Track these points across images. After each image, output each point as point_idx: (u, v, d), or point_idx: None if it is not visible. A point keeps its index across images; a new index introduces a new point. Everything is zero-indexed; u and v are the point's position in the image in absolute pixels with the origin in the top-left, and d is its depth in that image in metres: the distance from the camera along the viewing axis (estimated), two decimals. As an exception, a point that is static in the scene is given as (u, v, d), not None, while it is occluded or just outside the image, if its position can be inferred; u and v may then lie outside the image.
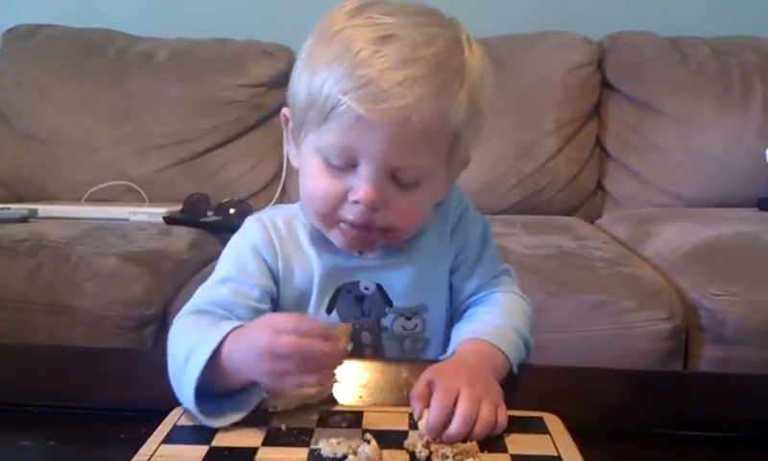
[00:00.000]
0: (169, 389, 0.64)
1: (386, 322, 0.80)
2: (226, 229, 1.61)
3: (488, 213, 1.79)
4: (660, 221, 1.75)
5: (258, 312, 0.73)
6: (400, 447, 0.58)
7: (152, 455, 0.56)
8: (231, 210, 1.73)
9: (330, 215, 0.72)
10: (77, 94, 2.08)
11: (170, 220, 1.75)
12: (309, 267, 0.79)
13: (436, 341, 0.83)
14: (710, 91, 2.03)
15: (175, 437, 0.59)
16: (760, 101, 2.00)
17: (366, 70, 0.65)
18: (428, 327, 0.82)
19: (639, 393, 0.75)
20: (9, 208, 1.78)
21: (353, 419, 0.62)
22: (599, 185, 2.12)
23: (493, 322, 0.76)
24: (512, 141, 2.02)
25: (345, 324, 0.72)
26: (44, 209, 1.81)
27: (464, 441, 0.58)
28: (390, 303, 0.80)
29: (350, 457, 0.55)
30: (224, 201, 1.80)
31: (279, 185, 2.07)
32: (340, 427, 0.61)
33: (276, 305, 0.79)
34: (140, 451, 0.56)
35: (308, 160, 0.73)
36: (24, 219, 1.73)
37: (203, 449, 0.57)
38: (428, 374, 0.64)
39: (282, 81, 1.98)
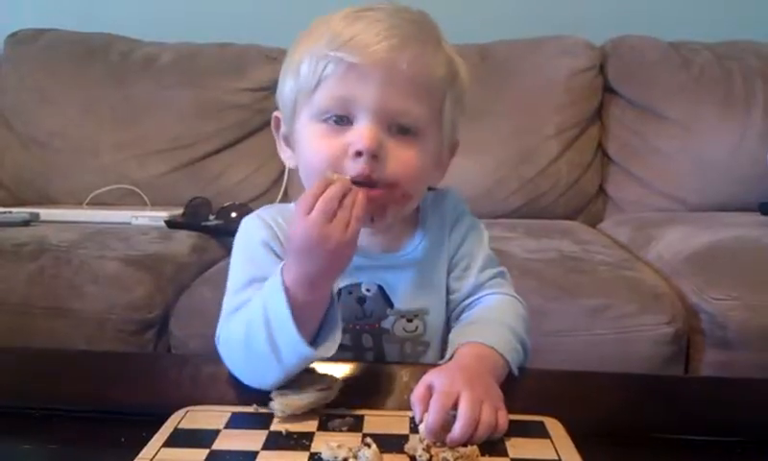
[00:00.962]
0: (169, 392, 0.64)
1: (387, 324, 0.81)
2: (227, 232, 1.61)
3: (489, 217, 1.81)
4: (661, 225, 1.75)
5: None
6: (401, 450, 0.58)
7: (152, 459, 0.56)
8: (233, 214, 1.73)
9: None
10: (79, 98, 2.09)
11: (172, 224, 1.75)
12: None
13: (435, 344, 0.83)
14: (712, 96, 2.03)
15: (175, 440, 0.59)
16: (762, 106, 2.00)
17: (348, 31, 0.71)
18: (428, 330, 0.82)
19: (640, 397, 0.75)
20: (11, 212, 1.78)
21: (354, 423, 0.62)
22: (601, 189, 2.12)
23: (491, 325, 0.77)
24: (513, 145, 2.02)
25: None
26: (46, 213, 1.81)
27: (464, 444, 0.58)
28: (391, 304, 0.80)
29: (351, 461, 0.55)
30: (225, 205, 1.80)
31: (281, 189, 2.07)
32: (340, 431, 0.61)
33: None
34: (141, 455, 0.56)
35: (305, 134, 0.75)
36: (26, 222, 1.73)
37: (203, 453, 0.57)
38: (428, 377, 0.64)
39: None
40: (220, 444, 0.59)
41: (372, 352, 0.82)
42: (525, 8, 2.28)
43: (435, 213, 0.84)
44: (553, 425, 0.62)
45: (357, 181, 0.69)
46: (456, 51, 0.79)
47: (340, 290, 0.79)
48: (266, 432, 0.60)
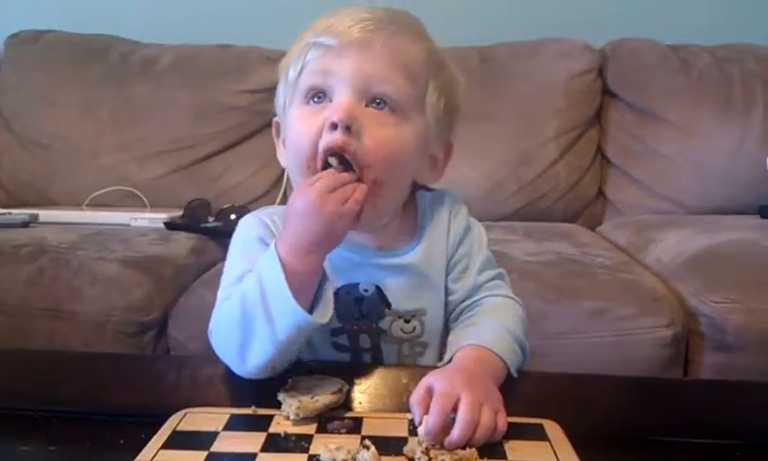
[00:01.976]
0: (167, 393, 0.64)
1: (384, 324, 0.81)
2: (226, 234, 1.59)
3: (488, 220, 1.81)
4: (660, 228, 1.75)
5: None
6: (400, 453, 0.57)
7: (151, 460, 0.56)
8: (232, 216, 1.73)
9: (313, 158, 0.73)
10: (79, 99, 2.09)
11: (171, 225, 1.75)
12: None
13: (433, 345, 0.83)
14: (711, 99, 2.03)
15: (174, 442, 0.59)
16: (761, 109, 2.00)
17: (326, 21, 0.75)
18: (426, 331, 0.82)
19: (640, 400, 0.75)
20: (10, 213, 1.78)
21: (352, 425, 0.62)
22: (600, 192, 2.12)
23: (490, 327, 0.76)
24: (513, 148, 2.03)
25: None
26: (45, 214, 1.81)
27: (463, 447, 0.58)
28: (388, 304, 0.80)
29: (349, 463, 0.55)
30: (225, 206, 1.80)
31: (281, 191, 2.07)
32: (339, 433, 0.61)
33: None
34: (139, 457, 0.56)
35: (291, 117, 0.78)
36: (25, 224, 1.73)
37: (202, 455, 0.57)
38: (427, 379, 0.64)
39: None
40: (218, 446, 0.59)
41: (369, 353, 0.82)
42: (524, 11, 2.29)
43: (433, 214, 0.84)
44: (552, 428, 0.62)
45: (330, 154, 0.71)
46: (449, 53, 0.81)
47: (338, 290, 0.79)
48: (265, 434, 0.60)
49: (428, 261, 0.82)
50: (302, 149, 0.74)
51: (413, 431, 0.61)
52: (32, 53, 2.17)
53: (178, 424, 0.62)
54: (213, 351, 0.74)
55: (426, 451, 0.57)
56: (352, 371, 0.75)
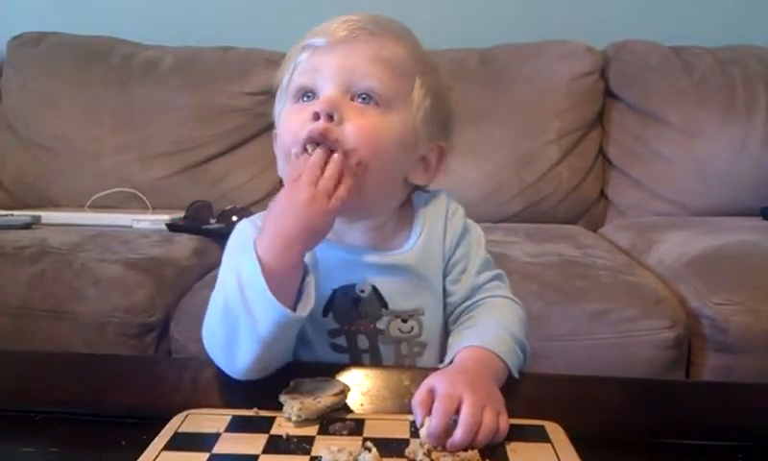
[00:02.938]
0: (169, 395, 0.64)
1: (382, 324, 0.81)
2: (228, 236, 1.61)
3: (490, 221, 1.81)
4: (662, 230, 1.75)
5: None
6: (401, 455, 0.57)
7: (152, 462, 0.56)
8: (234, 218, 1.73)
9: (296, 146, 0.75)
10: (81, 101, 2.09)
11: (173, 227, 1.75)
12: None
13: (432, 345, 0.83)
14: (714, 101, 2.03)
15: (176, 444, 0.59)
16: (764, 110, 2.00)
17: (317, 27, 0.79)
18: (425, 331, 0.82)
19: (642, 402, 0.75)
20: (12, 215, 1.79)
21: (354, 426, 0.62)
22: (602, 194, 2.12)
23: (490, 328, 0.76)
24: (514, 150, 2.03)
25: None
26: (47, 216, 1.82)
27: (465, 449, 0.58)
28: (385, 304, 0.80)
29: (351, 465, 0.55)
30: (226, 208, 1.80)
31: (282, 193, 2.07)
32: (341, 435, 0.61)
33: None
34: (141, 458, 0.56)
35: (282, 118, 0.80)
36: (27, 225, 1.73)
37: (203, 456, 0.57)
38: (429, 381, 0.64)
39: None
40: (220, 447, 0.59)
41: (368, 354, 0.82)
42: (526, 12, 2.29)
43: (429, 214, 0.84)
44: (554, 430, 0.62)
45: (310, 142, 0.73)
46: (445, 56, 0.83)
47: (335, 292, 0.79)
48: (266, 436, 0.60)
49: (424, 260, 0.82)
50: (287, 143, 0.76)
51: (414, 433, 0.61)
52: (34, 55, 2.17)
53: (179, 426, 0.62)
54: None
55: (428, 453, 0.57)
56: (354, 373, 0.75)
